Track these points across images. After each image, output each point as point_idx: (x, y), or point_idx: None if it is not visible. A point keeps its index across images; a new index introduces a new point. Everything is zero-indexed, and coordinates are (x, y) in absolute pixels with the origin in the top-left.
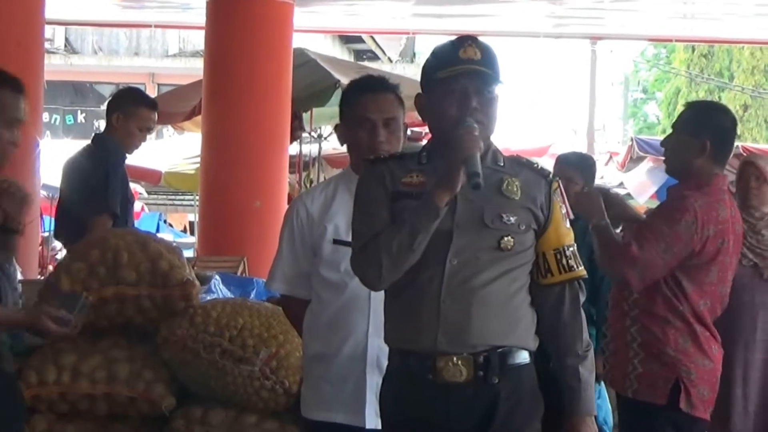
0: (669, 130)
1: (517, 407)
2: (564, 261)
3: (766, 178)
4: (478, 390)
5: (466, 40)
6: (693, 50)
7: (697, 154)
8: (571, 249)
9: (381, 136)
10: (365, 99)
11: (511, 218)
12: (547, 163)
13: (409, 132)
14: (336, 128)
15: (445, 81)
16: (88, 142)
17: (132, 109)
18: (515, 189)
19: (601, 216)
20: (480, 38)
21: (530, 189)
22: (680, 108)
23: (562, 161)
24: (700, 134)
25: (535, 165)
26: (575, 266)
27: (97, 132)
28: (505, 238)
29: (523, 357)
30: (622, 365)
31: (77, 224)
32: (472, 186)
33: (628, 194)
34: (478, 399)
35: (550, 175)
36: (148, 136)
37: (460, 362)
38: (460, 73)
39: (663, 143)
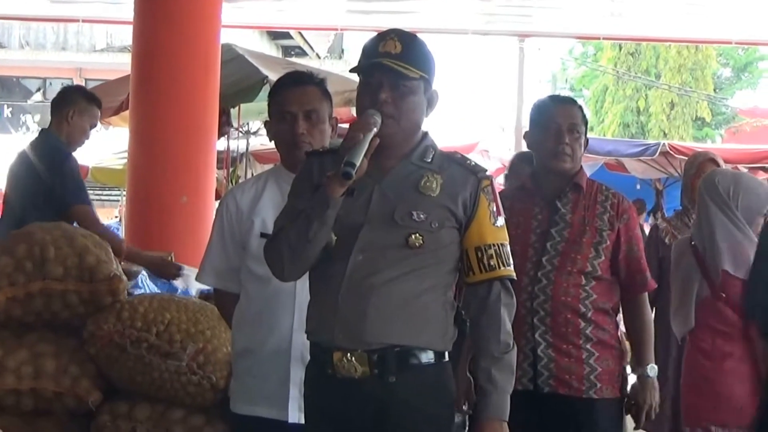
0: (597, 128)
1: (416, 407)
2: (485, 260)
3: None
4: (374, 388)
5: (388, 34)
6: (620, 48)
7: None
8: (494, 248)
9: (301, 128)
10: (286, 92)
11: (422, 215)
12: (477, 160)
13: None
14: (265, 125)
15: (364, 75)
16: (20, 137)
17: (85, 106)
18: (434, 186)
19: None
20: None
21: (454, 186)
22: (608, 106)
23: (525, 160)
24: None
25: (468, 162)
26: (497, 266)
27: (44, 128)
28: (413, 236)
29: (428, 357)
30: None
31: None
32: (341, 174)
33: None
34: (373, 397)
35: (482, 173)
36: (90, 131)
37: (354, 358)
38: (374, 67)
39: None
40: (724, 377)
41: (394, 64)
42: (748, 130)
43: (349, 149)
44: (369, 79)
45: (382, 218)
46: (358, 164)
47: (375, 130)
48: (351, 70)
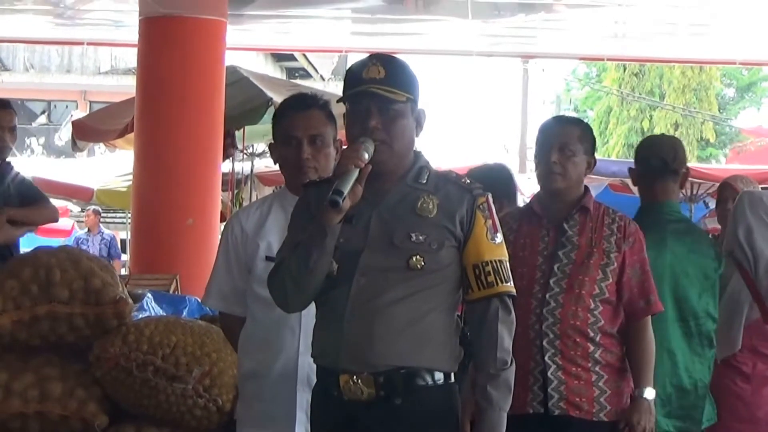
0: (601, 149)
1: (423, 429)
2: (482, 277)
3: None
4: (380, 410)
5: (371, 59)
6: (624, 69)
7: None
8: (492, 265)
9: (305, 152)
10: (291, 117)
11: (420, 237)
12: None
13: None
14: (270, 147)
15: (350, 102)
16: (24, 159)
17: None
18: (431, 207)
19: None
20: (411, 56)
21: (450, 205)
22: (612, 127)
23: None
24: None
25: (463, 180)
26: (495, 282)
27: None
28: (414, 258)
29: (434, 378)
30: None
31: None
32: (328, 202)
33: None
34: (380, 419)
35: (477, 190)
36: (8, 135)
37: (360, 381)
38: (361, 95)
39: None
40: (763, 401)
41: (381, 89)
42: (753, 150)
43: (338, 177)
44: (357, 107)
45: (381, 242)
46: (345, 192)
47: (367, 156)
48: (338, 101)
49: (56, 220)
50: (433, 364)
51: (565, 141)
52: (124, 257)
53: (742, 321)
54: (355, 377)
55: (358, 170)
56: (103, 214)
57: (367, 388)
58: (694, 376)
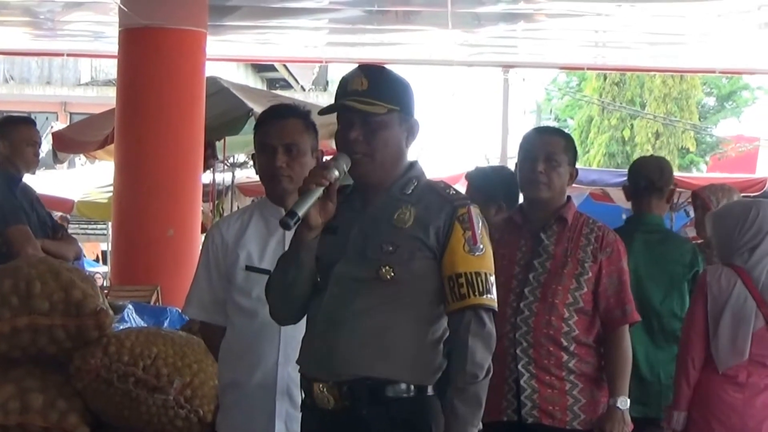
0: (582, 158)
1: None
2: (456, 289)
3: (709, 207)
4: (347, 420)
5: (356, 72)
6: (605, 78)
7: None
8: (465, 276)
9: (279, 161)
10: (267, 126)
11: (390, 247)
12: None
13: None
14: (252, 158)
15: (337, 113)
16: None
17: (13, 131)
18: (407, 217)
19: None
20: (391, 66)
21: (428, 215)
22: (593, 136)
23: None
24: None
25: (447, 191)
26: (468, 294)
27: None
28: (384, 268)
29: (402, 390)
30: None
31: None
32: (280, 223)
33: None
34: (348, 428)
35: (459, 201)
36: (39, 153)
37: (326, 390)
38: (342, 108)
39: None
40: (755, 411)
41: (360, 102)
42: (733, 156)
43: (298, 196)
44: (341, 119)
45: (356, 253)
46: (300, 214)
47: (337, 173)
48: (320, 113)
49: (79, 258)
50: (401, 376)
51: (551, 151)
52: (105, 268)
53: (749, 330)
54: (321, 385)
55: (321, 189)
56: (83, 226)
57: (332, 397)
58: (656, 368)
